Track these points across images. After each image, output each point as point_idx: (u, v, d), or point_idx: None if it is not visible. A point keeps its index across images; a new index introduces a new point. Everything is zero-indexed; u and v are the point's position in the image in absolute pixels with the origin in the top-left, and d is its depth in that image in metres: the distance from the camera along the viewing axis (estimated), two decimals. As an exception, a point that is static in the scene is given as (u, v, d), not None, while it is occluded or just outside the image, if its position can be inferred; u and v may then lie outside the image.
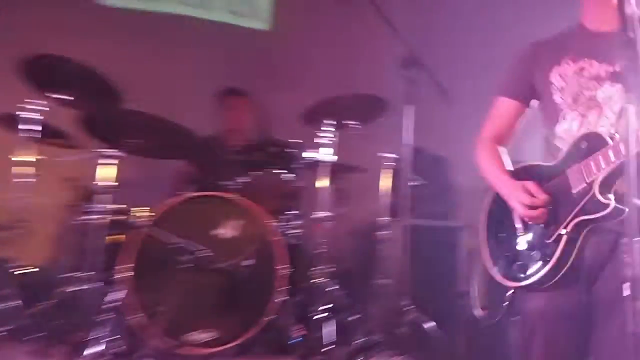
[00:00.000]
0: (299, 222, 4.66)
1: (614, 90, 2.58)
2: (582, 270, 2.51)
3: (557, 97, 2.68)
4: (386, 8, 4.34)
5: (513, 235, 2.68)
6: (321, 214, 4.44)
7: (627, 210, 2.10)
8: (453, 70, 4.94)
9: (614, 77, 2.58)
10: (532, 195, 2.58)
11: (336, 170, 4.59)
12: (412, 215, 4.46)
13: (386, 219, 4.62)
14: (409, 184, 4.48)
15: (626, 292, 1.90)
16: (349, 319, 4.42)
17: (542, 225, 2.59)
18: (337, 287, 4.45)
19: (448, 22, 6.08)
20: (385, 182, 4.65)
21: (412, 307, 4.39)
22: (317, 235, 4.43)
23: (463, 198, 5.61)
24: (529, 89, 2.79)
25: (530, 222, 2.61)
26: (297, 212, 4.68)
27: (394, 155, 4.57)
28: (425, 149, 5.05)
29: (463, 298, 5.04)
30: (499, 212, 2.76)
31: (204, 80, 5.66)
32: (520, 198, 2.60)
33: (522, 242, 2.65)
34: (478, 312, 4.00)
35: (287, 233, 4.52)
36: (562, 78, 2.67)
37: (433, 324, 4.41)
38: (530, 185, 2.61)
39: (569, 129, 2.64)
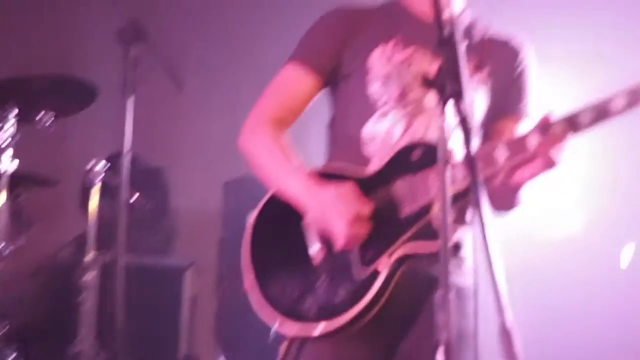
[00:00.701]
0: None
1: None
2: (391, 318, 2.30)
3: (375, 87, 2.43)
4: None
5: (302, 263, 2.34)
6: (-6, 246, 3.94)
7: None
8: (188, 50, 4.80)
9: None
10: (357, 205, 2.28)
11: (17, 182, 4.09)
12: (126, 248, 4.13)
13: (90, 254, 4.20)
14: (123, 205, 4.15)
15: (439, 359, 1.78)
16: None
17: (356, 250, 2.29)
18: (15, 353, 4.02)
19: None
20: (90, 201, 4.24)
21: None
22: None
23: (185, 226, 5.38)
24: (333, 63, 2.49)
25: (344, 246, 2.26)
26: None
27: (103, 164, 4.22)
28: (140, 156, 4.71)
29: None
30: (277, 228, 2.42)
31: None
32: (342, 207, 2.25)
33: (318, 274, 2.32)
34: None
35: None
36: (387, 63, 2.44)
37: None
38: (352, 192, 2.28)
39: (388, 133, 2.40)
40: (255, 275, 2.38)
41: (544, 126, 2.16)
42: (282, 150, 2.43)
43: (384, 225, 2.28)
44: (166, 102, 4.32)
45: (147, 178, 5.04)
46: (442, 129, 1.69)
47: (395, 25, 2.49)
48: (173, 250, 5.26)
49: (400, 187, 2.29)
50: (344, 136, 2.48)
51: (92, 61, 4.80)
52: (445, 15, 2.23)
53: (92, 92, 4.11)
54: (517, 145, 2.19)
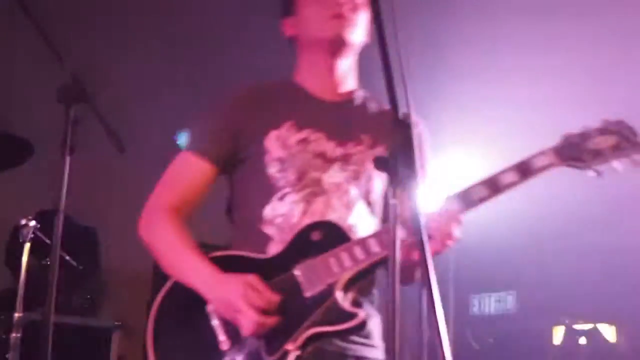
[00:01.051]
0: None
1: (343, 176, 2.47)
2: None
3: (272, 170, 2.46)
4: (42, 19, 3.81)
5: (209, 350, 2.31)
6: None
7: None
8: (131, 111, 4.76)
9: (344, 161, 2.48)
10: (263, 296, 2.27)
11: None
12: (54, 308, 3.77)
13: (18, 313, 4.00)
14: (54, 263, 3.74)
15: None
16: None
17: (263, 338, 2.28)
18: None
19: (123, 42, 5.60)
20: (19, 258, 4.07)
21: None
22: None
23: (114, 287, 5.32)
24: (227, 151, 2.52)
25: (252, 333, 2.26)
26: None
27: (33, 223, 4.07)
28: (72, 215, 4.51)
29: None
30: (181, 316, 2.39)
31: None
32: (249, 297, 2.24)
33: (230, 358, 2.30)
34: None
35: None
36: (282, 147, 2.47)
37: None
38: (256, 280, 2.27)
39: (287, 214, 2.42)
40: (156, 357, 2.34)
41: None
42: (181, 239, 2.41)
43: (289, 310, 2.28)
44: (104, 163, 4.27)
45: (79, 237, 4.94)
46: (394, 209, 1.70)
47: (290, 106, 2.53)
48: (102, 311, 5.16)
49: (302, 269, 2.31)
50: (245, 218, 2.49)
51: (30, 118, 4.69)
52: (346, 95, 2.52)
53: (27, 149, 4.04)
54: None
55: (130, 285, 5.15)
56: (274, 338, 2.27)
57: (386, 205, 2.47)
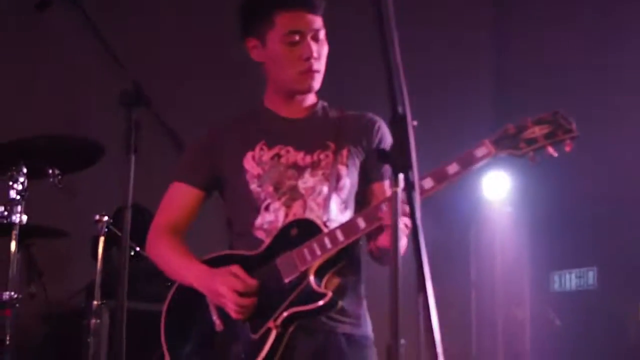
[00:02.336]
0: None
1: (315, 180, 2.81)
2: None
3: (254, 186, 2.83)
4: (102, 25, 3.99)
5: (208, 332, 2.75)
6: (5, 295, 3.96)
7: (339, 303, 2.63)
8: (188, 112, 4.85)
9: (314, 167, 2.82)
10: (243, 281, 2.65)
11: (27, 234, 4.20)
12: (130, 296, 3.92)
13: (96, 302, 4.27)
14: (125, 255, 4.06)
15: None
16: None
17: (247, 318, 2.68)
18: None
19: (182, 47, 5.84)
20: (96, 251, 4.34)
21: None
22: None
23: None
24: (210, 176, 2.92)
25: (237, 314, 2.66)
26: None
27: (106, 218, 4.33)
28: (146, 208, 4.67)
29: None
30: (186, 308, 2.84)
31: None
32: (230, 283, 2.64)
33: (220, 340, 2.73)
34: None
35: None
36: (258, 165, 2.84)
37: None
38: (238, 269, 2.67)
39: (273, 220, 2.79)
40: (166, 340, 2.83)
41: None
42: (180, 249, 2.86)
43: (271, 294, 2.65)
44: (167, 159, 4.44)
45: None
46: (395, 195, 1.81)
47: (261, 128, 2.90)
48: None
49: (282, 260, 2.67)
50: (241, 228, 2.86)
51: (99, 122, 4.94)
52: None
53: (98, 151, 4.32)
54: (371, 215, 2.57)
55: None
56: (257, 318, 2.65)
57: (357, 199, 2.83)
